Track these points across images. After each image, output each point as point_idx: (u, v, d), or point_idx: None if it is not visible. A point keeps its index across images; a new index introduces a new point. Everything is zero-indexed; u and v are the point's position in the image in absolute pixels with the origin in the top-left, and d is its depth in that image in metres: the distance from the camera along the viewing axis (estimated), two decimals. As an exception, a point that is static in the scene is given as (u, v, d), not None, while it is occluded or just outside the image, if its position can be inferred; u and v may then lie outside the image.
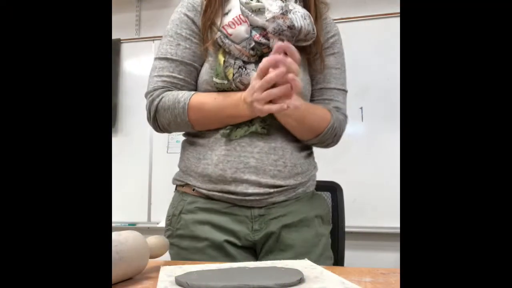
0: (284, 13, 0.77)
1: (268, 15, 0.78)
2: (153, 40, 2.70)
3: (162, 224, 2.52)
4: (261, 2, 0.80)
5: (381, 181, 2.18)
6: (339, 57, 0.90)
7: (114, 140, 2.62)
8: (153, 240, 0.67)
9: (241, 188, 0.80)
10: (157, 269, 0.63)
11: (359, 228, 2.18)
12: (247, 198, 0.81)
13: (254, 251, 0.85)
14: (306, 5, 0.84)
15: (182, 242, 0.84)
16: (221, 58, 0.79)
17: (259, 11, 0.80)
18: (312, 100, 0.89)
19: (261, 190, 0.80)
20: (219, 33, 0.80)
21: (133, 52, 2.72)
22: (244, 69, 0.79)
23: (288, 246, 0.82)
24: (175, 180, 0.91)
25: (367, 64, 2.30)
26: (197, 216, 0.83)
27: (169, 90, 0.83)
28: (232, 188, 0.80)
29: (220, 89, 0.80)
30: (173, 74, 0.84)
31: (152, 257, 0.64)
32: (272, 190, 0.81)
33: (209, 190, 0.82)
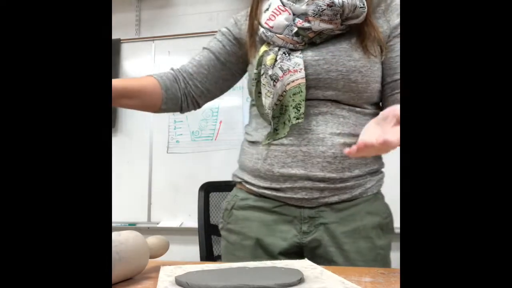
0: None
1: None
2: (153, 40, 2.70)
3: (162, 224, 2.53)
4: None
5: (381, 181, 2.18)
6: None
7: (114, 140, 2.62)
8: (153, 240, 0.67)
9: (289, 184, 0.78)
10: (157, 269, 0.63)
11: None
12: (296, 196, 0.78)
13: (301, 256, 0.80)
14: None
15: (230, 236, 0.85)
16: (263, 49, 0.79)
17: None
18: (391, 95, 0.80)
19: (310, 184, 0.76)
20: (261, 29, 0.80)
21: (133, 52, 2.71)
22: (287, 55, 0.76)
23: (339, 257, 0.77)
24: (233, 176, 0.91)
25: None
26: (247, 214, 0.83)
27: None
28: (280, 184, 0.79)
29: (256, 79, 0.80)
30: (196, 58, 0.91)
31: (152, 257, 0.64)
32: (322, 185, 0.76)
33: (260, 188, 0.82)
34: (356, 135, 0.75)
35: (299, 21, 0.76)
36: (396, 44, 0.79)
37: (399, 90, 0.78)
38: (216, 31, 0.96)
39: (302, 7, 0.76)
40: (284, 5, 0.78)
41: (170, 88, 0.88)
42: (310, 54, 0.77)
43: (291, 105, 0.75)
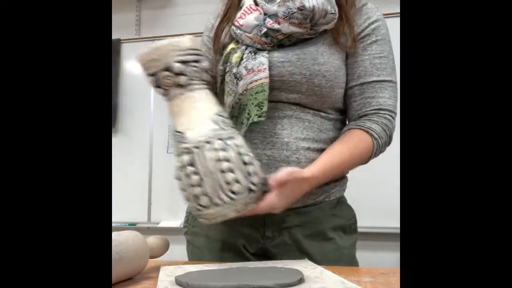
0: None
1: None
2: (153, 40, 2.69)
3: (162, 224, 2.53)
4: None
5: (381, 181, 2.18)
6: (384, 44, 0.79)
7: (114, 140, 2.62)
8: (153, 240, 0.67)
9: None
10: (157, 269, 0.63)
11: (359, 228, 2.17)
12: None
13: (267, 258, 0.79)
14: None
15: (197, 240, 0.83)
16: (231, 46, 0.78)
17: None
18: (353, 101, 0.79)
19: None
20: (232, 27, 0.79)
21: (133, 52, 2.72)
22: (253, 54, 0.75)
23: (303, 257, 0.75)
24: None
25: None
26: None
27: None
28: None
29: (222, 75, 0.79)
30: None
31: (152, 257, 0.64)
32: None
33: None
34: (319, 141, 0.77)
35: (269, 21, 0.75)
36: (358, 50, 0.78)
37: (354, 98, 0.78)
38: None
39: (273, 7, 0.75)
40: (256, 4, 0.78)
41: None
42: (276, 55, 0.76)
43: (253, 103, 0.74)
